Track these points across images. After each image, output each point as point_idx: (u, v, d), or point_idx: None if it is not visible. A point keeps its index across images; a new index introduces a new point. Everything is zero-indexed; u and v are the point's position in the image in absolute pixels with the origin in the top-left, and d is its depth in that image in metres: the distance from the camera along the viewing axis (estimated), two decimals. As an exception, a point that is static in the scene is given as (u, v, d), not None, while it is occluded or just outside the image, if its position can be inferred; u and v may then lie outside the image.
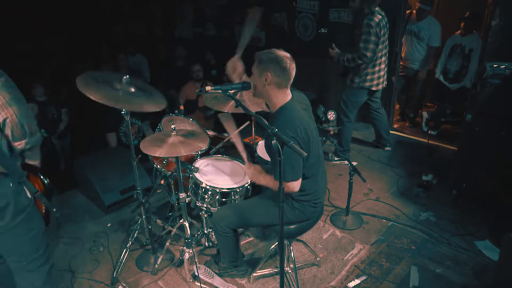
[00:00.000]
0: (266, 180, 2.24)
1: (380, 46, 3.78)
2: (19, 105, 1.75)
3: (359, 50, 3.70)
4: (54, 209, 2.02)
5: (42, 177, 2.00)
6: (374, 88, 3.97)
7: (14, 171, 1.77)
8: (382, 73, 3.96)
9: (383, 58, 3.91)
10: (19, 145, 1.79)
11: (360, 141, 4.83)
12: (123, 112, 2.51)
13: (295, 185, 2.13)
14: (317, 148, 2.27)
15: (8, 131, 1.73)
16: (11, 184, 1.76)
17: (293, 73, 2.12)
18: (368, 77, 3.89)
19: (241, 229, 3.00)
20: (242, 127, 3.09)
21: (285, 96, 2.16)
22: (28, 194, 1.86)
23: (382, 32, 3.73)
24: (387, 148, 4.58)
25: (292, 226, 2.34)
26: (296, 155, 1.78)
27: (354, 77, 3.95)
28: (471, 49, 4.54)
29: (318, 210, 2.40)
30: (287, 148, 1.74)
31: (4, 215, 1.77)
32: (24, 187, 1.84)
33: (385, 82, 4.07)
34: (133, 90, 2.50)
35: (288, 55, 2.12)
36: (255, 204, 2.42)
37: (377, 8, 3.75)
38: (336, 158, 4.34)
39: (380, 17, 3.72)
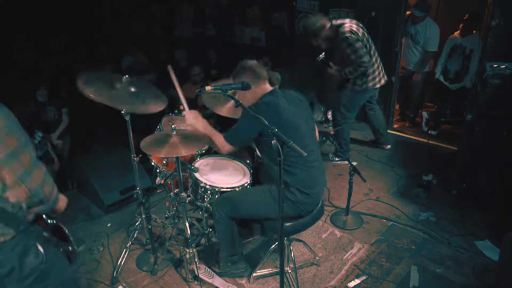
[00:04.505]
0: (213, 134, 2.42)
1: (367, 46, 3.74)
2: (30, 178, 1.48)
3: (354, 62, 3.68)
4: (70, 248, 1.82)
5: (48, 220, 1.81)
6: (377, 86, 3.95)
7: (24, 231, 1.56)
8: (380, 68, 3.93)
9: (373, 59, 3.85)
10: (34, 211, 1.59)
11: (359, 141, 4.84)
12: (122, 112, 2.51)
13: (225, 146, 2.37)
14: (305, 139, 2.35)
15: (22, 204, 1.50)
16: (14, 249, 1.53)
17: (262, 69, 2.41)
18: (370, 77, 3.88)
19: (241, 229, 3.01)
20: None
21: (264, 90, 2.38)
22: (41, 249, 1.62)
23: (360, 35, 3.68)
24: (388, 147, 4.57)
25: (289, 224, 2.34)
26: (244, 127, 2.28)
27: (356, 80, 3.91)
28: (472, 50, 4.51)
29: (314, 203, 2.41)
30: (245, 117, 2.26)
31: (10, 281, 1.55)
32: (35, 243, 1.61)
33: (385, 76, 4.03)
34: (133, 90, 2.50)
35: (252, 61, 2.43)
36: (250, 193, 2.52)
37: (339, 21, 3.74)
38: (336, 159, 4.34)
39: (347, 23, 3.68)
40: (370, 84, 3.90)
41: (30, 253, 1.59)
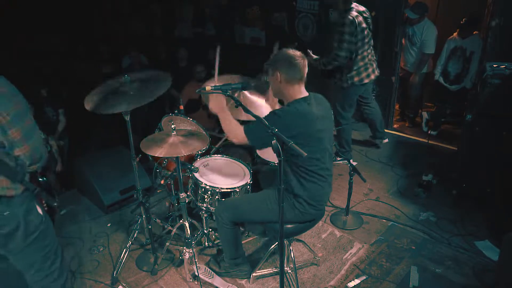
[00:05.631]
0: (232, 120, 2.25)
1: (359, 43, 3.72)
2: (35, 137, 1.70)
3: (334, 50, 3.68)
4: (55, 204, 2.00)
5: (39, 178, 1.97)
6: (366, 81, 3.90)
7: (29, 188, 1.73)
8: (368, 64, 3.89)
9: (365, 53, 3.82)
10: (31, 169, 1.75)
11: (359, 141, 4.83)
12: (123, 112, 2.52)
13: (241, 137, 2.18)
14: (326, 153, 2.26)
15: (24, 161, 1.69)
16: (22, 205, 1.71)
17: (304, 69, 2.18)
18: (354, 72, 3.83)
19: (242, 229, 3.01)
20: None
21: (297, 92, 2.20)
22: (40, 211, 1.81)
23: (359, 29, 3.65)
24: (385, 141, 4.57)
25: (290, 226, 2.34)
26: (265, 129, 1.83)
27: (341, 76, 3.90)
28: (472, 52, 4.46)
29: (319, 213, 2.39)
30: (268, 117, 2.02)
31: (15, 237, 1.73)
32: (36, 205, 1.79)
33: (376, 71, 4.00)
34: (136, 85, 2.51)
35: (298, 52, 2.19)
36: (254, 199, 2.45)
37: (353, 5, 3.71)
38: (338, 158, 4.34)
39: (356, 13, 3.66)
40: (356, 79, 3.85)
41: (33, 212, 1.76)
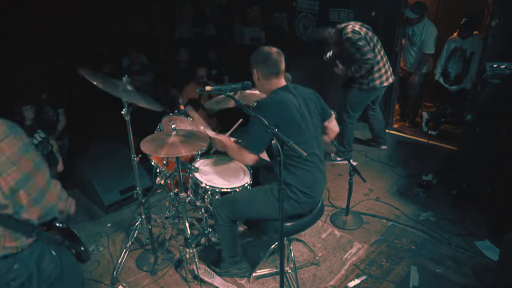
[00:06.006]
0: (231, 146, 2.35)
1: (371, 44, 3.76)
2: (47, 196, 1.51)
3: (359, 60, 3.69)
4: (82, 248, 1.82)
5: (57, 224, 1.79)
6: (385, 84, 3.93)
7: (40, 238, 1.60)
8: (386, 66, 3.93)
9: (382, 52, 3.89)
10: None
11: (360, 141, 4.84)
12: (123, 112, 2.52)
13: (249, 156, 2.21)
14: (310, 139, 2.29)
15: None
16: (32, 255, 1.57)
17: (280, 64, 2.28)
18: (376, 75, 3.86)
19: (241, 229, 3.01)
20: (236, 125, 3.09)
21: (276, 85, 2.30)
22: (53, 253, 1.66)
23: (362, 34, 3.71)
24: (383, 147, 4.58)
25: (289, 224, 2.33)
26: (260, 130, 2.06)
27: (362, 80, 3.90)
28: (473, 52, 4.45)
29: (314, 203, 2.40)
30: (255, 121, 2.07)
31: (30, 285, 1.58)
32: (48, 248, 1.64)
33: (392, 76, 4.03)
34: (130, 89, 2.52)
35: (273, 49, 2.29)
36: (251, 193, 2.48)
37: (343, 24, 3.79)
38: (338, 158, 4.34)
39: (351, 25, 3.75)
40: (377, 82, 3.87)
41: (46, 258, 1.62)
